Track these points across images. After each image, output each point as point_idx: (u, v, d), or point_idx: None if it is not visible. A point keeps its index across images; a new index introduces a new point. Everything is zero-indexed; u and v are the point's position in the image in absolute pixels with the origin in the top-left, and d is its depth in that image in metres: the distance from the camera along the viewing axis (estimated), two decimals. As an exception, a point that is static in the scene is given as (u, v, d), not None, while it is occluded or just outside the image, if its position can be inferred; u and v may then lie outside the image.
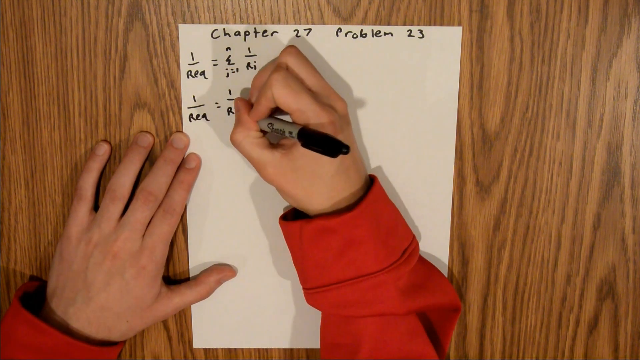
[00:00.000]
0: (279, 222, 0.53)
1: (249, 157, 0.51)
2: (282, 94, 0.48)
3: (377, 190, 0.51)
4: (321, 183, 0.49)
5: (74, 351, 0.51)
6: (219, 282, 0.57)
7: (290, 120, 0.50)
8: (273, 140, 0.52)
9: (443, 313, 0.55)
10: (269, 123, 0.50)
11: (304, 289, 0.53)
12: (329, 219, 0.49)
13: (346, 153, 0.44)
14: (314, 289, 0.51)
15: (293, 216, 0.54)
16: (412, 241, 0.53)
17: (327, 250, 0.50)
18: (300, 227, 0.50)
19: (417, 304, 0.52)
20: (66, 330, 0.52)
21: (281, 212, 0.57)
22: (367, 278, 0.50)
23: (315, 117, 0.48)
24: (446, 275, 0.59)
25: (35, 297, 0.56)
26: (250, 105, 0.51)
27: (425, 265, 0.56)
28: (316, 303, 0.52)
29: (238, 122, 0.51)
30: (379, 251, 0.50)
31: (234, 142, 0.51)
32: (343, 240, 0.49)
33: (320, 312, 0.54)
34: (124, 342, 0.56)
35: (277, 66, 0.49)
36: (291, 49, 0.50)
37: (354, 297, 0.50)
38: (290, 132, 0.48)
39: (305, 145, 0.46)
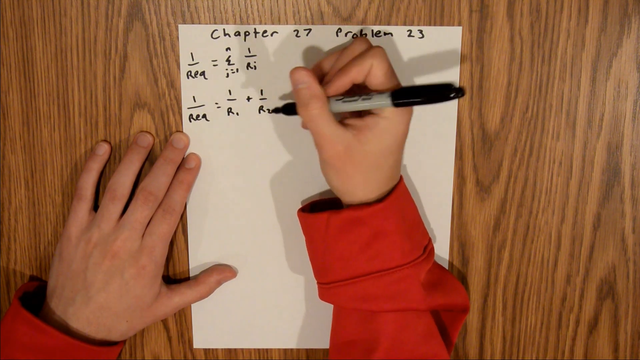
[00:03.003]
0: (298, 215, 0.53)
1: (321, 133, 0.47)
2: (386, 66, 0.47)
3: (403, 185, 0.52)
4: (378, 173, 0.49)
5: (73, 351, 0.51)
6: (219, 283, 0.57)
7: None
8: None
9: (453, 312, 0.55)
10: (339, 98, 0.48)
11: (320, 283, 0.53)
12: (359, 209, 0.49)
13: (462, 95, 0.43)
14: (334, 283, 0.51)
15: (310, 210, 0.54)
16: (430, 240, 0.53)
17: (353, 243, 0.49)
18: (327, 218, 0.50)
19: (435, 302, 0.52)
20: (66, 330, 0.52)
21: (281, 212, 0.57)
22: (392, 271, 0.49)
23: None
24: (446, 275, 0.59)
25: (35, 297, 0.56)
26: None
27: (438, 266, 0.56)
28: (335, 297, 0.52)
29: (312, 96, 0.47)
30: (404, 244, 0.50)
31: (308, 116, 0.47)
32: (371, 231, 0.49)
33: (324, 313, 0.54)
34: (124, 341, 0.56)
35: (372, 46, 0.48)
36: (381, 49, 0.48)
37: (377, 291, 0.50)
38: (377, 100, 0.46)
39: (407, 100, 0.45)
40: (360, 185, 0.49)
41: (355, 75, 0.47)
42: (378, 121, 0.47)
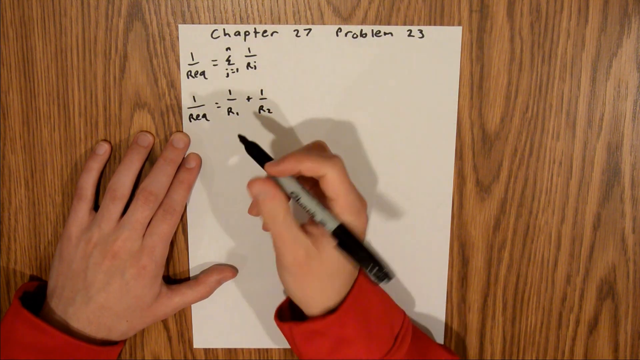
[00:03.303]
0: (274, 319, 0.53)
1: (283, 236, 0.47)
2: (341, 179, 0.46)
3: (361, 283, 0.51)
4: (335, 281, 0.49)
5: (75, 351, 0.51)
6: (219, 283, 0.57)
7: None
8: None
9: None
10: (293, 192, 0.47)
11: None
12: (317, 321, 0.49)
13: (388, 281, 0.45)
14: None
15: (289, 308, 0.54)
16: (404, 322, 0.53)
17: (319, 350, 0.50)
18: (290, 329, 0.51)
19: None
20: (66, 330, 0.52)
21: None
22: None
23: (357, 212, 0.47)
24: (446, 276, 0.59)
25: (35, 297, 0.56)
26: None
27: (419, 340, 0.55)
28: None
29: (274, 199, 0.46)
30: (370, 345, 0.50)
31: (270, 217, 0.46)
32: (332, 340, 0.49)
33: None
34: (124, 341, 0.56)
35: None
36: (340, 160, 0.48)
37: None
38: (324, 223, 0.47)
39: (343, 248, 0.46)
40: (317, 295, 0.49)
41: (305, 168, 0.46)
42: None
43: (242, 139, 0.50)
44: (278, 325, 0.53)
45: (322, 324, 0.49)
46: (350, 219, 0.47)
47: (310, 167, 0.46)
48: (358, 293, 0.50)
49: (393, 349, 0.51)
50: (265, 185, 0.46)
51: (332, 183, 0.47)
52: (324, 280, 0.48)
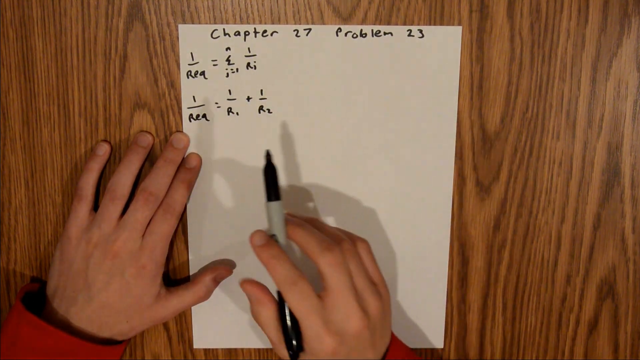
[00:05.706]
0: None
1: (270, 336, 0.49)
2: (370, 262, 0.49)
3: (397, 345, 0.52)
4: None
5: (80, 351, 0.51)
6: (215, 281, 0.57)
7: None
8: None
9: None
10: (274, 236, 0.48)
11: None
12: None
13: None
14: None
15: None
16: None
17: None
18: None
19: None
20: (69, 329, 0.52)
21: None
22: None
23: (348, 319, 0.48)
24: (446, 276, 0.59)
25: (35, 298, 0.56)
26: None
27: None
28: None
29: (258, 297, 0.50)
30: None
31: (256, 317, 0.50)
32: None
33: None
34: (127, 341, 0.56)
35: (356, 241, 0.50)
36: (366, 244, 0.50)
37: None
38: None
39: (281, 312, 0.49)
40: None
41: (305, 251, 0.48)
42: None
43: (268, 156, 0.49)
44: None
45: None
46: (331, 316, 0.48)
47: (309, 255, 0.48)
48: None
49: None
50: (254, 289, 0.49)
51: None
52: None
